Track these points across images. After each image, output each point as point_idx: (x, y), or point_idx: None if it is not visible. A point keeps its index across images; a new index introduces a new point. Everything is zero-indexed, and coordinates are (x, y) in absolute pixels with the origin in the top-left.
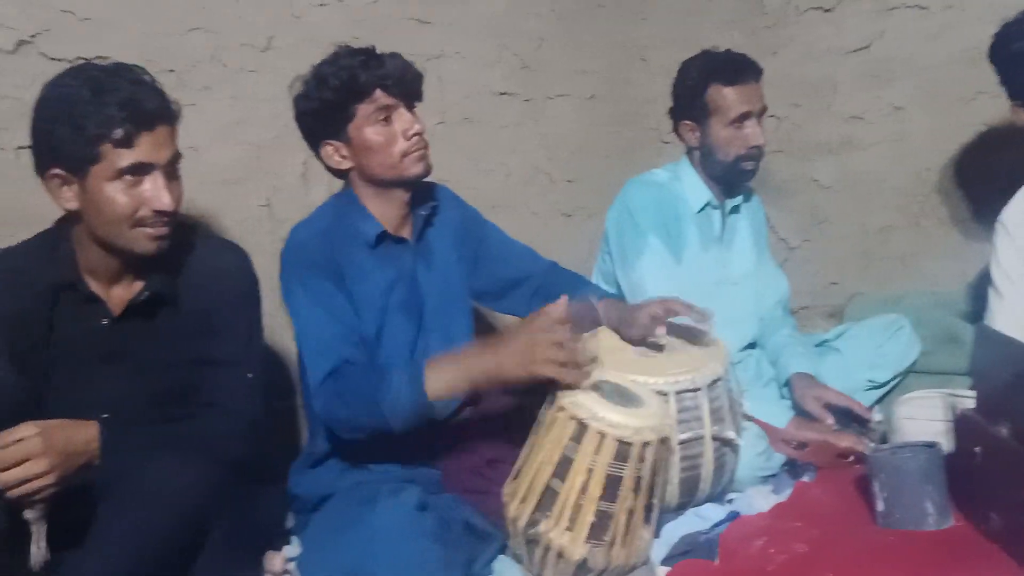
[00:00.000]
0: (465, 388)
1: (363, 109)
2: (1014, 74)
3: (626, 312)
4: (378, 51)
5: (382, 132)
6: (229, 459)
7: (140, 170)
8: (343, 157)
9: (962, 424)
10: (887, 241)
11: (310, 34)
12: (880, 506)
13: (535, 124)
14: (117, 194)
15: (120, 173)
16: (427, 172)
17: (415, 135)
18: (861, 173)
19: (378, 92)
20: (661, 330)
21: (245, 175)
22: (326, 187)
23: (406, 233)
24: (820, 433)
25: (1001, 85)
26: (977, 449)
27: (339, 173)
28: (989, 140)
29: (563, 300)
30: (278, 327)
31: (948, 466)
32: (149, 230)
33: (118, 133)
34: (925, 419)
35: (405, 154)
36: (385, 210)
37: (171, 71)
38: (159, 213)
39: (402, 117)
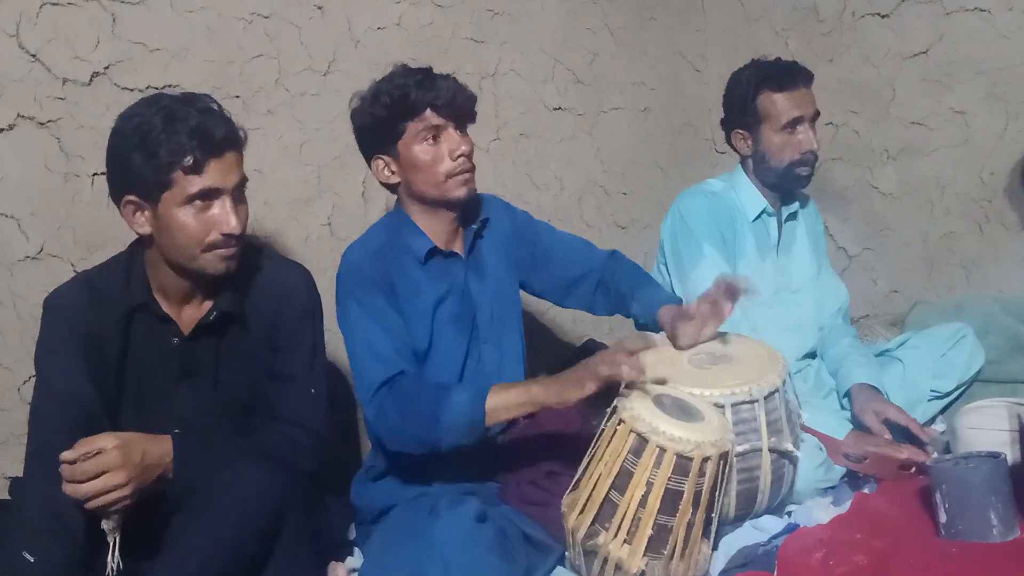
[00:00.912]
0: (524, 412)
1: (412, 127)
2: None
3: (679, 316)
4: (434, 71)
5: (429, 151)
6: (299, 470)
7: (209, 195)
8: (392, 172)
9: None
10: (950, 248)
11: (369, 57)
12: (943, 517)
13: (590, 138)
14: (188, 219)
15: (190, 199)
16: (469, 195)
17: (461, 156)
18: (922, 179)
19: (428, 112)
20: (712, 327)
21: (308, 195)
22: (384, 205)
23: (457, 247)
24: (878, 447)
25: None
26: None
27: (390, 187)
28: None
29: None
30: (340, 343)
31: (1014, 476)
32: (220, 251)
33: (188, 160)
34: (990, 429)
35: (449, 175)
36: (435, 226)
37: (236, 97)
38: (228, 236)
39: (450, 138)
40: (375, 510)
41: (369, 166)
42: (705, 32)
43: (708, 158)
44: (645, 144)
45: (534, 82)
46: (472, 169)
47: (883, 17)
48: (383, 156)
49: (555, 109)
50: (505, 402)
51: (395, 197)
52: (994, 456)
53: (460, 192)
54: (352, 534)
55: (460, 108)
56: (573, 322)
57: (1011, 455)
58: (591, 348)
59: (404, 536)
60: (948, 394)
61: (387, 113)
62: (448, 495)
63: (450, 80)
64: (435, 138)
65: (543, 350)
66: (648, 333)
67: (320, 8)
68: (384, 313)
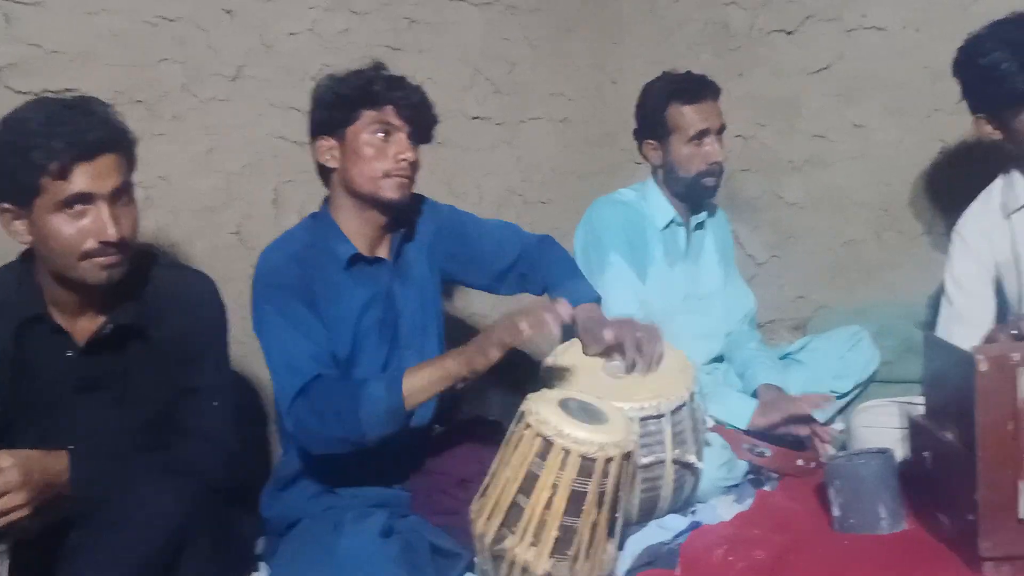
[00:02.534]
0: (441, 388)
1: (368, 115)
2: (978, 88)
3: (591, 329)
4: (408, 80)
5: (375, 143)
6: (206, 485)
7: (82, 201)
8: (332, 156)
9: (914, 430)
10: (852, 255)
11: (282, 63)
12: (836, 512)
13: (509, 147)
14: (62, 226)
15: (61, 205)
16: (402, 201)
17: (404, 161)
18: (826, 189)
19: (389, 107)
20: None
21: (216, 203)
22: (297, 213)
23: (383, 252)
24: (783, 413)
25: (963, 98)
26: (926, 454)
27: (324, 175)
28: (947, 155)
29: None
30: (249, 353)
31: (902, 472)
32: (98, 260)
33: (54, 165)
34: (883, 427)
35: (387, 174)
36: (361, 229)
37: (139, 102)
38: (105, 244)
39: (400, 141)
40: (284, 522)
41: (312, 145)
42: (623, 45)
43: (626, 168)
44: (564, 154)
45: (453, 91)
46: (411, 177)
47: (789, 34)
48: (329, 138)
49: (474, 118)
50: (420, 382)
51: (310, 207)
52: (883, 452)
53: (393, 194)
54: (260, 547)
55: (420, 119)
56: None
57: (901, 452)
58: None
59: (309, 552)
60: (846, 394)
61: (350, 93)
62: (355, 508)
63: (419, 92)
64: (386, 135)
65: None
66: (547, 302)
67: (229, 12)
68: (301, 318)
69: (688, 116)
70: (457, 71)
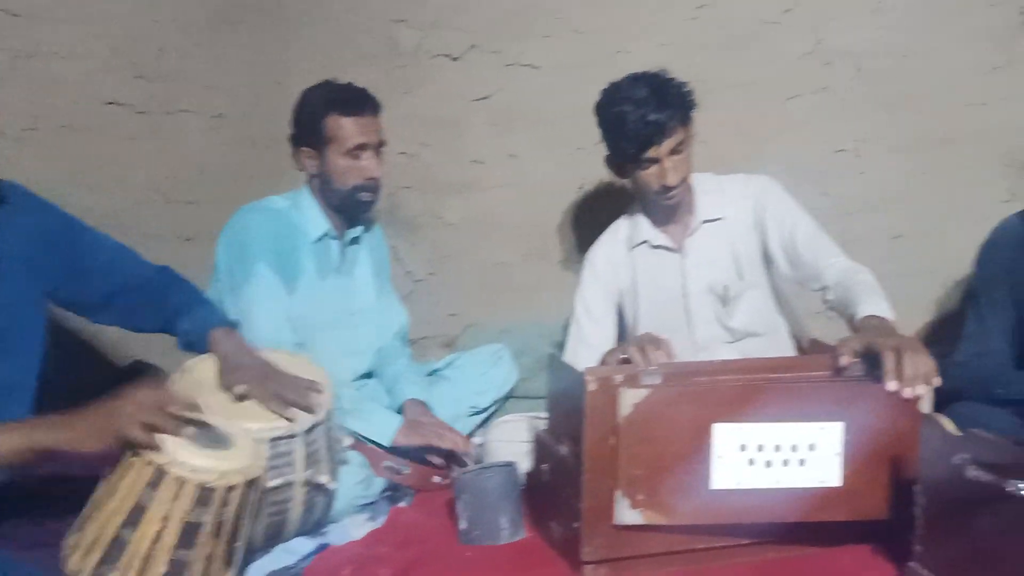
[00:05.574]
0: (28, 458)
1: None
2: (606, 133)
3: (232, 360)
4: None
5: None
6: None
7: None
8: None
9: (536, 444)
10: (501, 276)
11: None
12: (463, 524)
13: (152, 139)
14: None
15: None
16: None
17: None
18: (482, 213)
19: None
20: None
21: None
22: None
23: None
24: (425, 441)
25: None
26: (545, 466)
27: None
28: (587, 190)
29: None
30: None
31: (528, 483)
32: None
33: None
34: (514, 440)
35: None
36: None
37: None
38: None
39: None
40: None
41: None
42: (290, 47)
43: (286, 173)
44: (218, 153)
45: (86, 70)
46: None
47: (454, 60)
48: None
49: (110, 103)
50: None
51: None
52: (507, 465)
53: None
54: None
55: None
56: (120, 339)
57: (527, 464)
58: (140, 370)
59: None
60: (486, 409)
61: None
62: None
63: None
64: None
65: (85, 368)
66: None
67: None
68: None
69: (346, 128)
70: (92, 48)
